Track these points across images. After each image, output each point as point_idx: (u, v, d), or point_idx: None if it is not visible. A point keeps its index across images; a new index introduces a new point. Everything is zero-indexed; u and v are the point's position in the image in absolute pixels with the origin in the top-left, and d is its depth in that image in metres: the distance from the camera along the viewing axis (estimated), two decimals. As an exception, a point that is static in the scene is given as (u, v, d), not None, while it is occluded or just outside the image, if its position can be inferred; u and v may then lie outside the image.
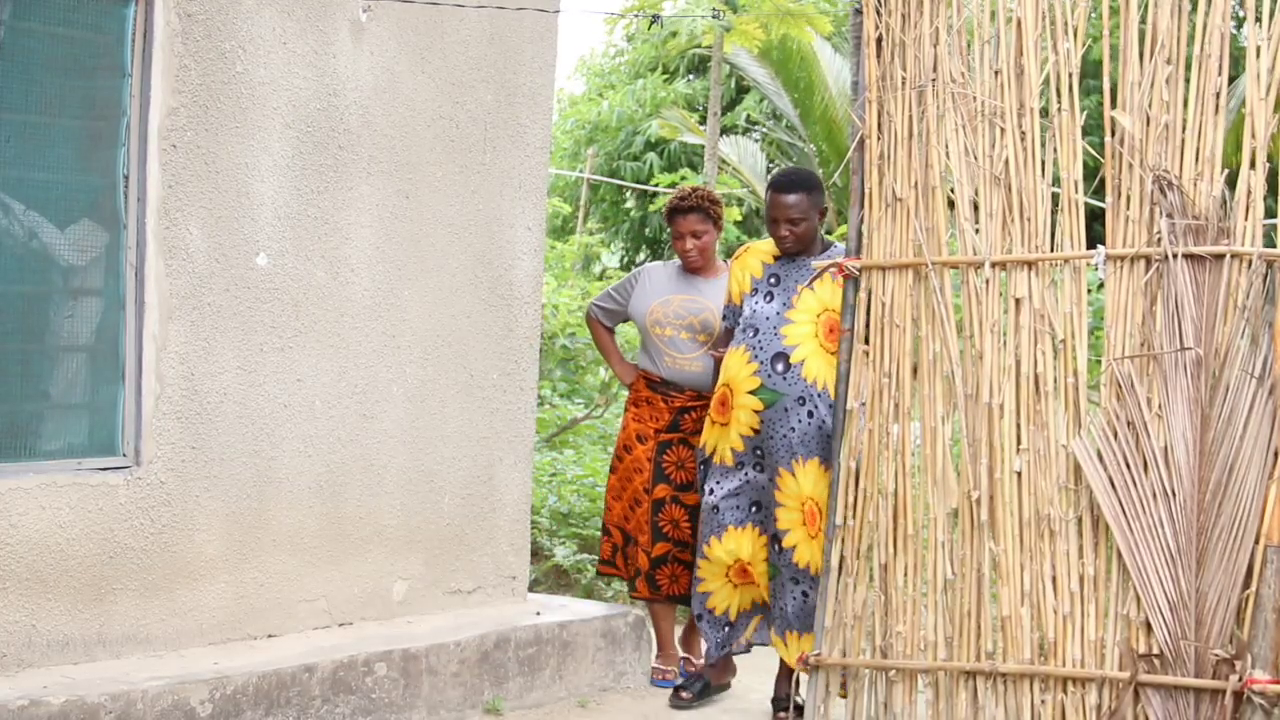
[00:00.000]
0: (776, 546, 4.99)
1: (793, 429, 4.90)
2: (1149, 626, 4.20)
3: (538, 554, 6.78)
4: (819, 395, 4.89)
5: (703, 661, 5.47)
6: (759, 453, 4.99)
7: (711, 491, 5.06)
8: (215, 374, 4.45)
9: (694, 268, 5.49)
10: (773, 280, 5.03)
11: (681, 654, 5.68)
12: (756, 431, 4.96)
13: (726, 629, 5.18)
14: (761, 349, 4.93)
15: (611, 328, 5.75)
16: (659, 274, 5.59)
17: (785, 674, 5.15)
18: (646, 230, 20.69)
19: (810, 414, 4.89)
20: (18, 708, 3.73)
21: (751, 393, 4.93)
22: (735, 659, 5.48)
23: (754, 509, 5.06)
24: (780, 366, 4.90)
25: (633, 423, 5.52)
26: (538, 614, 5.25)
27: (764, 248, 5.13)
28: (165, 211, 4.30)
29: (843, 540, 4.63)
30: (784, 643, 5.05)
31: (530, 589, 5.78)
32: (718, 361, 5.16)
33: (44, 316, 4.26)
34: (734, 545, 5.04)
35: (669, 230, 5.56)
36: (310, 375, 4.71)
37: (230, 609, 4.53)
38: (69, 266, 4.28)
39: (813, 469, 4.90)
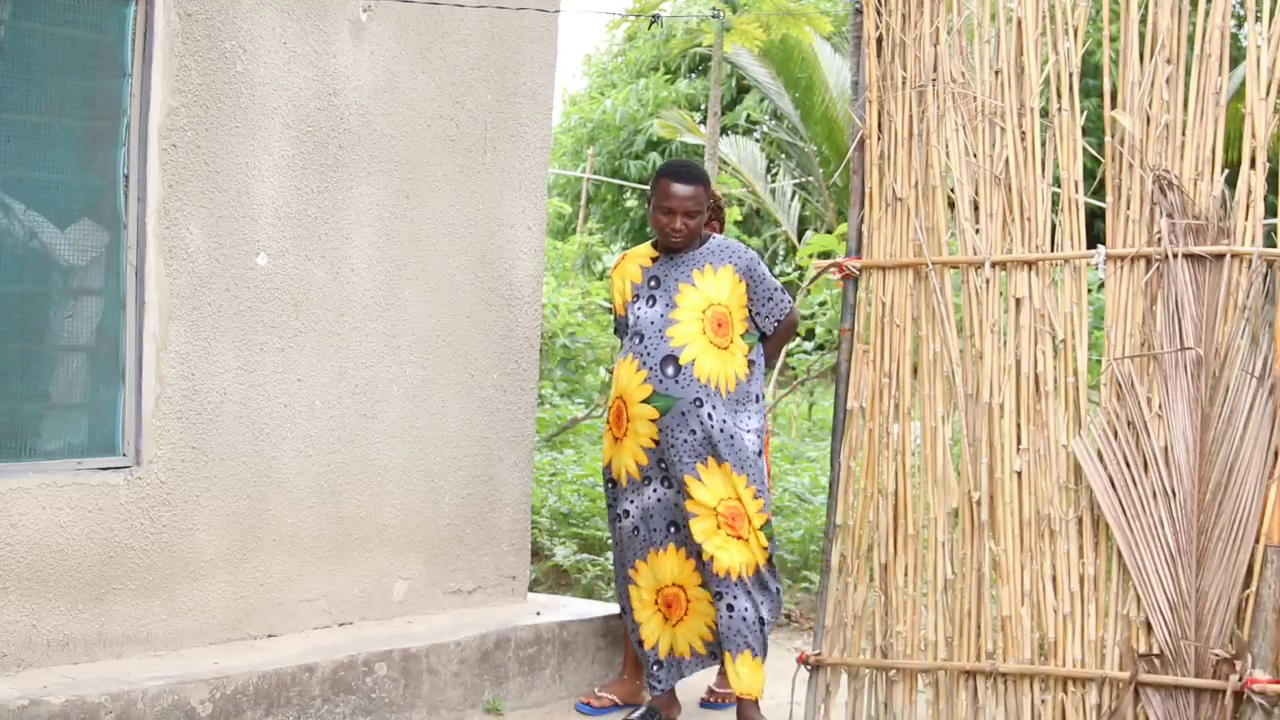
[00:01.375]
0: (698, 562, 4.74)
1: (693, 432, 4.63)
2: (1149, 626, 4.20)
3: (538, 554, 6.78)
4: (714, 394, 4.65)
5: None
6: (663, 465, 4.72)
7: (627, 514, 4.81)
8: (215, 374, 4.45)
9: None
10: (653, 283, 4.79)
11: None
12: (656, 442, 4.69)
13: (655, 666, 4.86)
14: (649, 354, 4.67)
15: None
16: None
17: (748, 709, 4.78)
18: (647, 230, 20.69)
19: (710, 415, 4.64)
20: (18, 708, 3.73)
21: (645, 401, 4.67)
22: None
23: (672, 529, 4.77)
24: (670, 370, 4.64)
25: None
26: (538, 614, 5.24)
27: (640, 252, 4.91)
28: (165, 211, 4.30)
29: (843, 540, 4.64)
30: (736, 671, 4.73)
31: (530, 589, 5.78)
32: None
33: (44, 316, 4.26)
34: (658, 569, 4.79)
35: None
36: (310, 375, 4.71)
37: (230, 609, 4.53)
38: (69, 266, 4.28)
39: (720, 471, 4.66)
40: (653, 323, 4.71)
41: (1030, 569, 4.34)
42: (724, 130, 18.53)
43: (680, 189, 4.70)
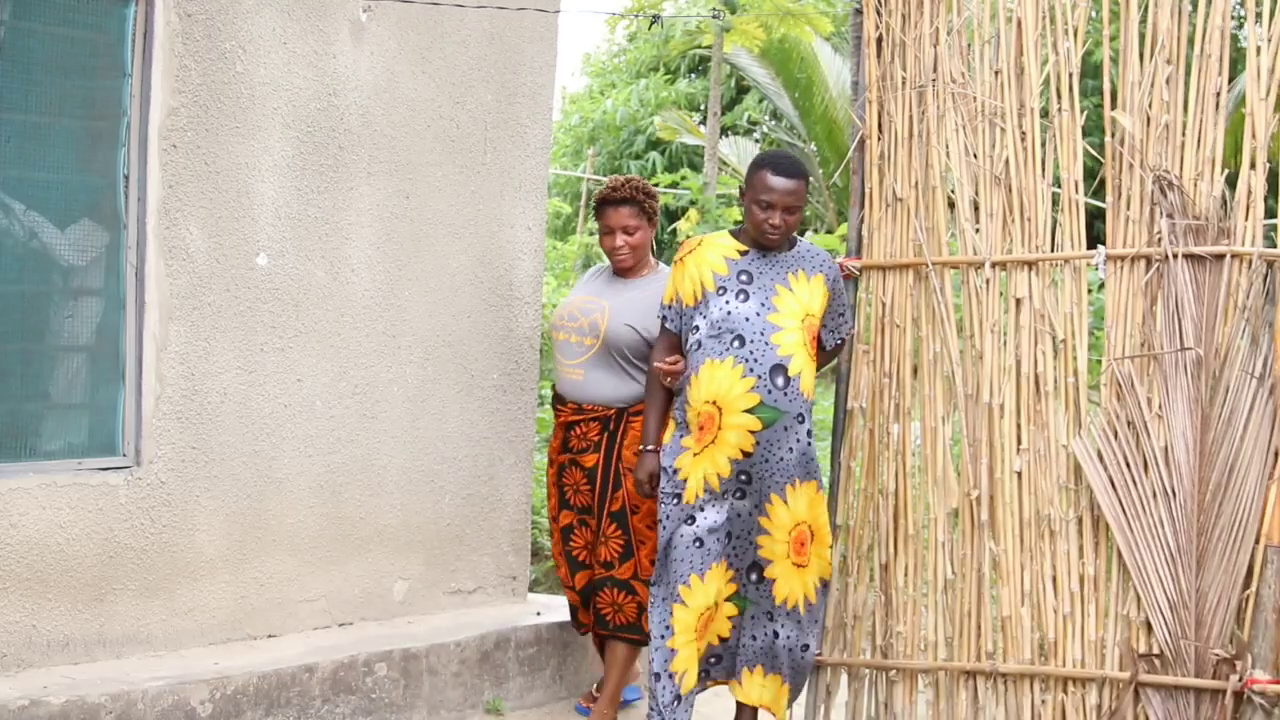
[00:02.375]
0: (754, 576, 4.42)
1: (790, 450, 4.30)
2: (1149, 626, 4.20)
3: (538, 554, 6.78)
4: (811, 411, 4.37)
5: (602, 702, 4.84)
6: (744, 478, 4.32)
7: (692, 520, 4.33)
8: (215, 374, 4.45)
9: (623, 267, 4.85)
10: (744, 278, 4.35)
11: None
12: (747, 455, 4.29)
13: (676, 703, 4.36)
14: (756, 361, 4.25)
15: None
16: (589, 274, 5.04)
17: (747, 716, 4.58)
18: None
19: (809, 432, 4.34)
20: (18, 708, 3.73)
21: (748, 411, 4.26)
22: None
23: (726, 539, 4.39)
24: (780, 381, 4.26)
25: (550, 446, 5.05)
26: (538, 614, 5.24)
27: (721, 241, 4.45)
28: (165, 211, 4.30)
29: (843, 540, 4.63)
30: (739, 681, 4.50)
31: (530, 589, 5.78)
32: (671, 375, 4.44)
33: (44, 316, 4.25)
34: (709, 585, 4.36)
35: (598, 224, 4.92)
36: (310, 375, 4.71)
37: (230, 609, 4.53)
38: (69, 266, 4.28)
39: (807, 491, 4.36)
40: (748, 319, 4.29)
41: (1030, 569, 4.35)
42: (724, 131, 18.53)
43: (781, 182, 4.30)
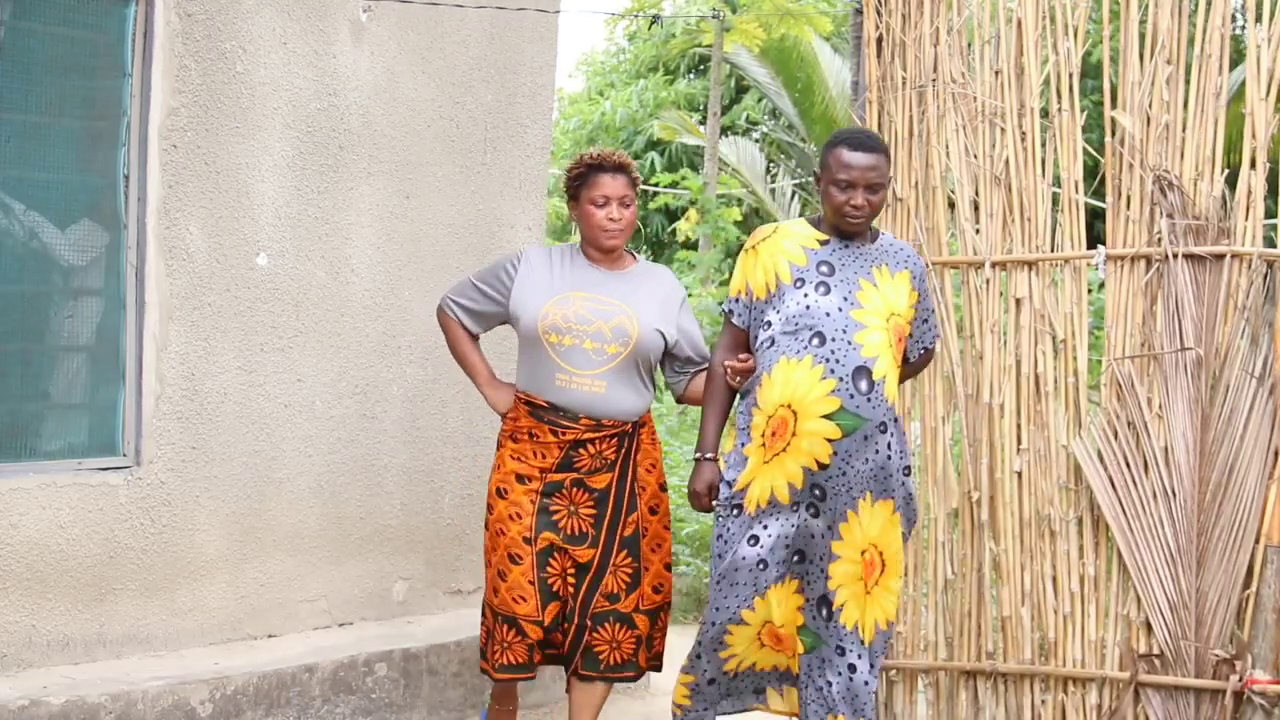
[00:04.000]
0: (824, 611, 3.87)
1: (866, 461, 3.79)
2: (1149, 626, 4.20)
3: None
4: (897, 420, 3.86)
5: None
6: (818, 491, 3.80)
7: (756, 540, 3.84)
8: (215, 374, 4.45)
9: (611, 246, 4.13)
10: (824, 269, 3.87)
11: None
12: (823, 465, 3.78)
13: (709, 684, 4.01)
14: (838, 362, 3.76)
15: (477, 333, 4.27)
16: (545, 261, 4.18)
17: None
18: (648, 230, 20.70)
19: (890, 444, 3.82)
20: (18, 708, 3.73)
21: (827, 417, 3.76)
22: None
23: (796, 559, 3.88)
24: (864, 385, 3.76)
25: (510, 461, 4.12)
26: (538, 614, 5.24)
27: (799, 230, 3.96)
28: (165, 211, 4.30)
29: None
30: None
31: (530, 589, 5.77)
32: (741, 374, 3.94)
33: (44, 316, 4.26)
34: (773, 606, 3.88)
35: (572, 199, 4.18)
36: (310, 375, 4.71)
37: (230, 609, 4.53)
38: (69, 266, 4.28)
39: (882, 510, 3.84)
40: (828, 315, 3.81)
41: (1030, 569, 4.35)
42: (723, 131, 18.53)
43: (860, 158, 3.82)
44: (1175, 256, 4.21)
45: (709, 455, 3.99)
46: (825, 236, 3.92)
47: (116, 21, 4.24)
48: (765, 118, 20.41)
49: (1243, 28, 7.66)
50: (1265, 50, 4.20)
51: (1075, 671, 4.27)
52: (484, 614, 4.18)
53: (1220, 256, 4.19)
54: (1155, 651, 4.18)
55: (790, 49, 16.99)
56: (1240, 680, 4.04)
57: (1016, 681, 4.36)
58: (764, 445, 3.84)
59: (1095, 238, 4.42)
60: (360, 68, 4.77)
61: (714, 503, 3.95)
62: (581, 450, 4.07)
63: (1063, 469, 4.32)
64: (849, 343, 3.79)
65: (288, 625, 4.68)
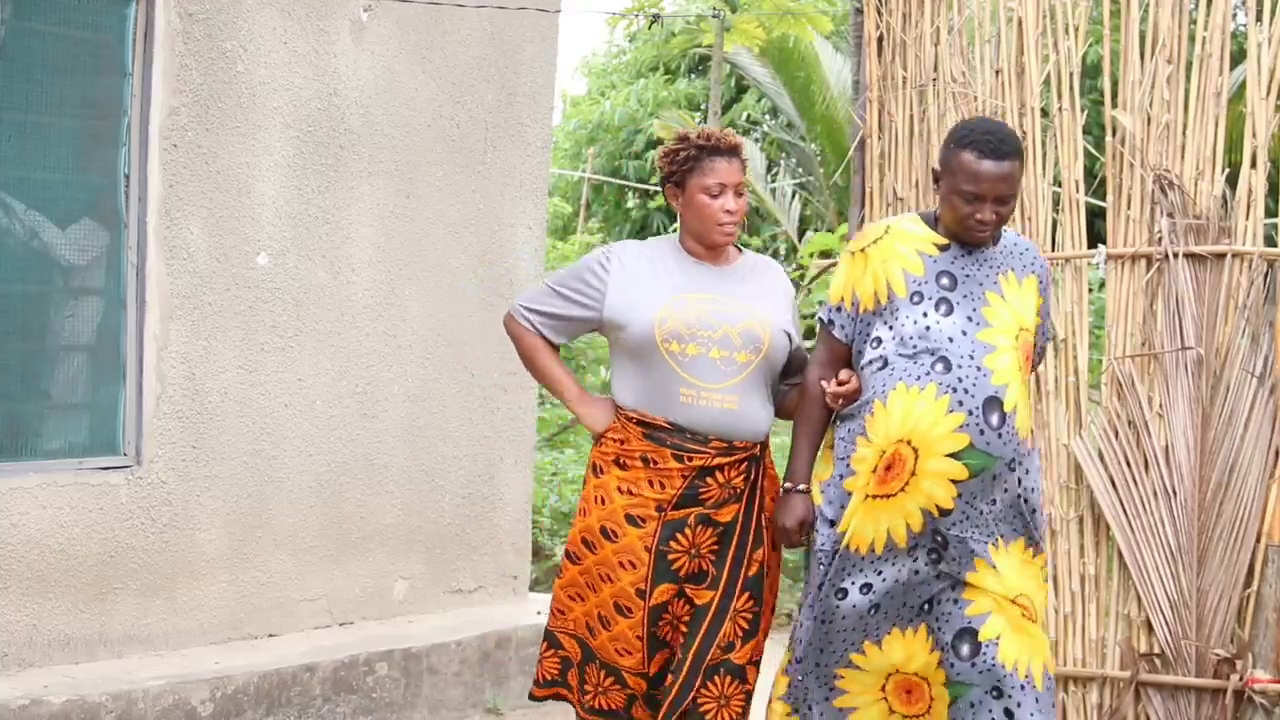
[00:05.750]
0: (966, 648, 3.31)
1: (993, 501, 3.29)
2: (1150, 626, 4.20)
3: (539, 553, 6.78)
4: (1028, 453, 3.34)
5: None
6: (939, 537, 3.29)
7: (869, 587, 3.32)
8: (216, 373, 4.45)
9: (727, 241, 3.49)
10: (945, 281, 3.33)
11: None
12: (944, 511, 3.26)
13: None
14: (966, 392, 3.23)
15: (557, 345, 3.60)
16: (642, 259, 3.53)
17: None
18: (647, 230, 20.70)
19: (1021, 480, 3.31)
20: (19, 707, 3.73)
21: (953, 455, 3.23)
22: None
23: (926, 607, 3.36)
24: (995, 419, 3.23)
25: (618, 494, 3.45)
26: (539, 613, 5.24)
27: (915, 231, 3.40)
28: (166, 211, 4.30)
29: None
30: None
31: (531, 588, 5.77)
32: (846, 399, 3.39)
33: (45, 316, 4.26)
34: (896, 652, 3.38)
35: (676, 186, 3.51)
36: (311, 375, 4.71)
37: (231, 608, 4.53)
38: (70, 266, 4.28)
39: (1016, 552, 3.34)
40: (952, 339, 3.28)
41: (1031, 568, 4.34)
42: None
43: (990, 167, 3.24)
44: (1176, 256, 4.21)
45: (801, 487, 3.44)
46: (945, 241, 3.37)
47: (117, 21, 4.24)
48: (765, 117, 20.40)
49: (1243, 26, 7.66)
50: (1266, 49, 4.20)
51: (1076, 671, 4.27)
52: (553, 642, 3.63)
53: (1221, 256, 4.18)
54: (1156, 651, 4.18)
55: (790, 48, 16.98)
56: (1241, 679, 4.03)
57: (1017, 681, 4.35)
58: (875, 482, 3.30)
59: (1096, 237, 4.42)
60: (360, 67, 4.77)
61: (817, 548, 3.41)
62: (709, 479, 3.44)
63: (1063, 468, 4.32)
64: (978, 368, 3.26)
65: (288, 625, 4.68)
